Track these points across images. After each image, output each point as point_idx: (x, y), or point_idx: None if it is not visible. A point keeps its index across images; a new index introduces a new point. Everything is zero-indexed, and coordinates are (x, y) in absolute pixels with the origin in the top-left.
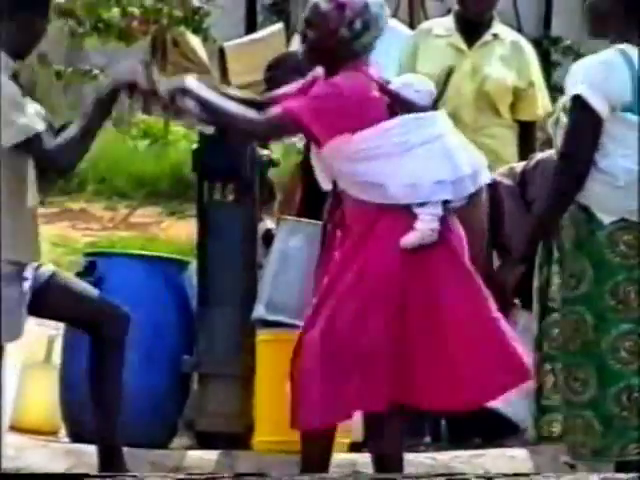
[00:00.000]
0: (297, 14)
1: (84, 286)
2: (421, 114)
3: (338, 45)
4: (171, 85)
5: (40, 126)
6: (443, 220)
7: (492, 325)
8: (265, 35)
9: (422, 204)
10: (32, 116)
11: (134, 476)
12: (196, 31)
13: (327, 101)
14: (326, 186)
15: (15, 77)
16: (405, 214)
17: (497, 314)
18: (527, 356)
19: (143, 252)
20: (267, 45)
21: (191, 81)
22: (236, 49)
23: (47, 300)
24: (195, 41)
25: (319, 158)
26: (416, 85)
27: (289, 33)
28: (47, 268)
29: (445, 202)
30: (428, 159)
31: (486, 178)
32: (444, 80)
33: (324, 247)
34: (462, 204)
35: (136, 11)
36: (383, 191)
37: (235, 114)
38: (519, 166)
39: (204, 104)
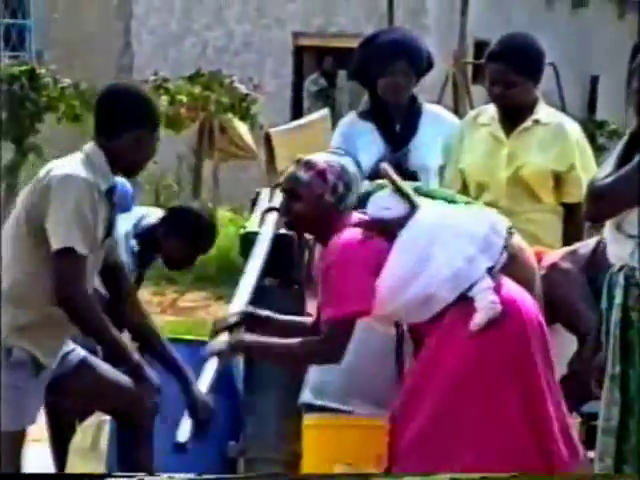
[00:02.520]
0: (342, 100)
1: (114, 372)
2: (411, 223)
3: (325, 211)
4: (217, 347)
5: (82, 249)
6: (498, 287)
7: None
8: (311, 121)
9: (471, 287)
10: (84, 238)
11: (134, 476)
12: (243, 118)
13: (345, 283)
14: (391, 332)
15: (109, 193)
16: (463, 304)
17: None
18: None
19: (190, 337)
20: (313, 130)
21: (237, 337)
22: (282, 135)
23: (75, 386)
24: (242, 127)
25: (377, 322)
26: (383, 204)
27: (334, 119)
28: (78, 352)
29: (489, 270)
30: (446, 247)
31: (505, 224)
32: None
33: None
34: (505, 261)
35: (184, 99)
36: (434, 301)
37: (297, 352)
38: (584, 247)
39: (256, 354)
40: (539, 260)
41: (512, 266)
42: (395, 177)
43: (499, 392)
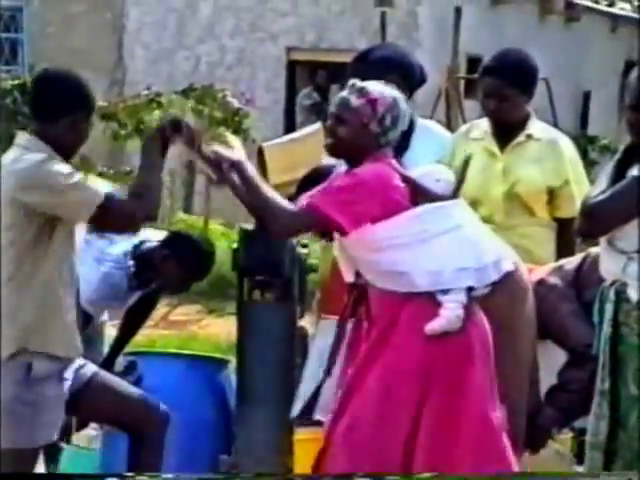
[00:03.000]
0: None
1: (125, 386)
2: (441, 203)
3: (367, 140)
4: (223, 153)
5: (106, 188)
6: (467, 308)
7: (493, 423)
8: (304, 135)
9: (446, 291)
10: (93, 183)
11: (134, 476)
12: (236, 132)
13: (350, 192)
14: (349, 278)
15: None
16: (429, 302)
17: (497, 412)
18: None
19: (182, 351)
20: (306, 145)
21: (243, 156)
22: (275, 149)
23: (87, 400)
24: (235, 142)
25: (343, 249)
26: (436, 174)
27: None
28: (89, 367)
29: (468, 289)
30: (450, 247)
31: (509, 266)
32: (462, 167)
33: (348, 339)
34: (486, 292)
35: (177, 113)
36: (407, 279)
37: (270, 201)
38: (570, 263)
39: (248, 181)
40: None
41: (506, 284)
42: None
43: (419, 398)
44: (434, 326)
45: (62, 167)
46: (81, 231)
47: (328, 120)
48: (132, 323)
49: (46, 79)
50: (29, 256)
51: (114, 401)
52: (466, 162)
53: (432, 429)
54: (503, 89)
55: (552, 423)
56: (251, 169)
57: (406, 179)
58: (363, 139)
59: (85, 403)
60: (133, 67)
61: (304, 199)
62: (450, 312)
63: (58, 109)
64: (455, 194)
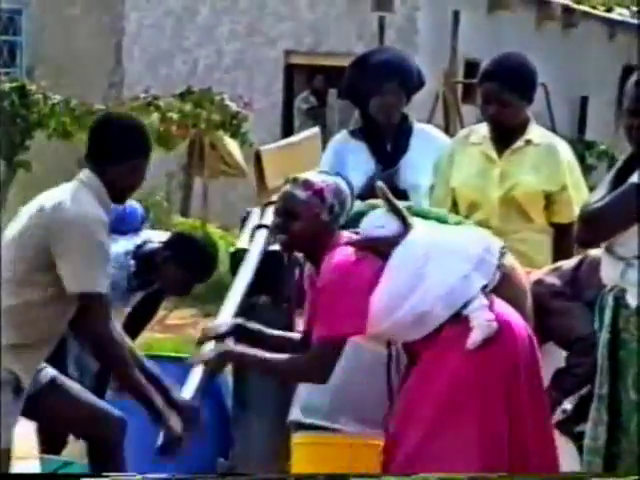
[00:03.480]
0: (333, 119)
1: (82, 391)
2: (404, 241)
3: (321, 230)
4: (204, 358)
5: (105, 290)
6: (491, 305)
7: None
8: (301, 139)
9: (465, 305)
10: (105, 278)
11: (134, 476)
12: (234, 135)
13: (336, 305)
14: (384, 351)
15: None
16: (457, 321)
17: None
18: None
19: (178, 354)
20: (303, 149)
21: (225, 347)
22: (273, 153)
23: (43, 404)
24: (232, 145)
25: (371, 342)
26: (375, 222)
27: (325, 137)
28: (48, 371)
29: (483, 288)
30: (442, 265)
31: (498, 244)
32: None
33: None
34: (499, 280)
35: (175, 116)
36: (428, 319)
37: (284, 366)
38: (568, 264)
39: (246, 364)
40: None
41: (504, 285)
42: (390, 196)
43: (491, 410)
44: (473, 339)
45: (100, 239)
46: None
47: (276, 218)
48: (135, 324)
49: (109, 123)
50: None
51: (69, 405)
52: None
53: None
54: (502, 94)
55: (555, 404)
56: (238, 350)
57: (360, 245)
58: (317, 230)
59: (41, 406)
60: (131, 70)
61: (314, 340)
62: (479, 320)
63: (120, 154)
64: (404, 221)
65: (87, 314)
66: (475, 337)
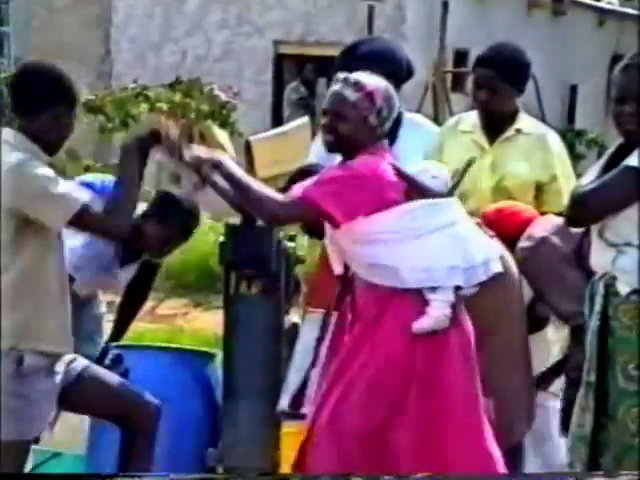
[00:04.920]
0: None
1: (116, 379)
2: (436, 200)
3: (367, 133)
4: (203, 156)
5: (84, 196)
6: (453, 307)
7: (480, 420)
8: (291, 129)
9: (434, 289)
10: (73, 189)
11: (134, 476)
12: (223, 125)
13: (344, 184)
14: (338, 270)
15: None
16: (416, 299)
17: (484, 420)
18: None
19: (169, 345)
20: (293, 138)
21: (224, 157)
22: (262, 142)
23: (79, 395)
24: (222, 135)
25: (333, 241)
26: (433, 171)
27: (315, 127)
28: (80, 362)
29: (456, 289)
30: (441, 245)
31: (497, 267)
32: (463, 170)
33: (332, 332)
34: (473, 291)
35: (164, 106)
36: (395, 275)
37: (259, 193)
38: (578, 231)
39: (232, 179)
40: (527, 222)
41: (499, 290)
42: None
43: (401, 395)
44: (422, 324)
45: (44, 171)
46: None
47: (324, 117)
48: (133, 298)
49: (26, 73)
50: (17, 255)
51: (105, 395)
52: (468, 164)
53: (415, 425)
54: (495, 81)
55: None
56: (234, 166)
57: (401, 174)
58: (363, 133)
59: (76, 397)
60: (120, 60)
61: (296, 189)
62: (438, 311)
63: (39, 104)
64: (451, 193)
65: (91, 226)
66: (425, 324)
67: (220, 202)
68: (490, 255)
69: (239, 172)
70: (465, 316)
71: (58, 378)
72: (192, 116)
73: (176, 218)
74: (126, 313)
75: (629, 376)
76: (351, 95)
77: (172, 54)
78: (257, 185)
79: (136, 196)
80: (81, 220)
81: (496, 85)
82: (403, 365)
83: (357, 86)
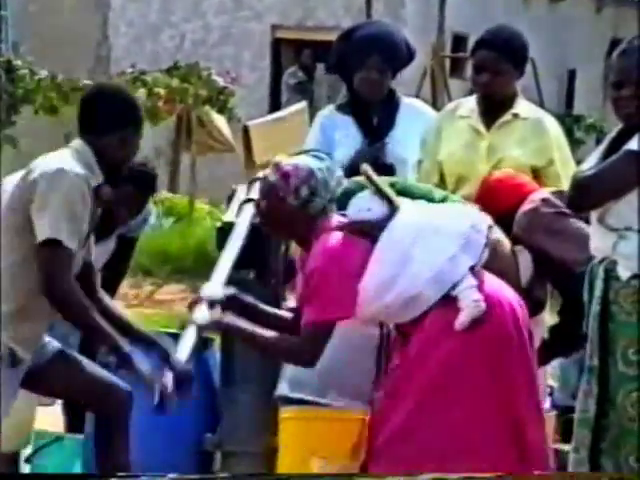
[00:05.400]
0: (320, 93)
1: (87, 364)
2: (390, 225)
3: (288, 214)
4: (205, 324)
5: (70, 243)
6: (481, 286)
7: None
8: (289, 114)
9: (454, 286)
10: (73, 232)
11: (135, 476)
12: (221, 110)
13: (324, 290)
14: (374, 331)
15: (96, 193)
16: (447, 303)
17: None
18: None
19: (167, 330)
20: (291, 123)
21: (226, 319)
22: (260, 127)
23: (49, 377)
24: (220, 120)
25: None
26: (363, 205)
27: (312, 112)
28: (53, 345)
29: (471, 268)
30: (429, 247)
31: (486, 221)
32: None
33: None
34: (487, 257)
35: (162, 91)
36: (419, 301)
37: (276, 348)
38: None
39: (243, 340)
40: (526, 196)
41: (492, 260)
42: (376, 178)
43: (480, 391)
44: (461, 320)
45: (75, 197)
46: None
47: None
48: (112, 274)
49: (99, 94)
50: (11, 249)
51: (75, 379)
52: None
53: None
54: (498, 62)
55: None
56: (233, 320)
57: (347, 228)
58: (284, 213)
59: (46, 380)
60: (118, 45)
61: (303, 324)
62: (468, 300)
63: (109, 124)
64: (392, 205)
65: (45, 264)
66: (463, 318)
67: None
68: (474, 216)
69: (242, 329)
70: (499, 284)
71: (24, 365)
72: (190, 101)
73: (125, 177)
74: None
75: (629, 361)
76: (271, 177)
77: (170, 39)
78: (267, 336)
79: (90, 328)
80: (48, 250)
81: (499, 66)
82: (467, 369)
83: (276, 167)
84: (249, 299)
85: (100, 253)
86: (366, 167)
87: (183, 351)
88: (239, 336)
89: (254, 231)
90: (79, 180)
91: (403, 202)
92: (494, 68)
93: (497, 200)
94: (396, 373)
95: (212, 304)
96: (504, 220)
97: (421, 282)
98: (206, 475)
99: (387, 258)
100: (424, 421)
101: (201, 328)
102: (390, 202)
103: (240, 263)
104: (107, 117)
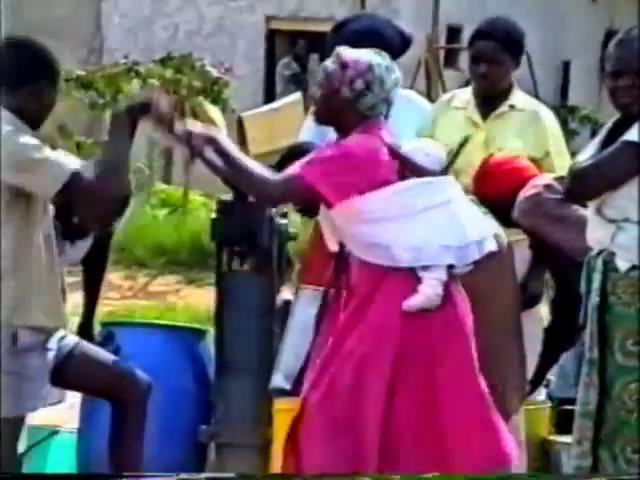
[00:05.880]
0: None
1: (107, 356)
2: (429, 179)
3: (341, 104)
4: (195, 131)
5: (74, 164)
6: (447, 285)
7: (482, 403)
8: (283, 105)
9: (426, 268)
10: (62, 158)
11: (135, 476)
12: (215, 101)
13: (336, 164)
14: (333, 248)
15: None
16: (410, 277)
17: (485, 390)
18: (510, 439)
19: (161, 321)
20: (285, 114)
21: (218, 133)
22: (254, 118)
23: (70, 371)
24: (214, 111)
25: (327, 219)
26: (426, 149)
27: (307, 103)
28: (71, 338)
29: (449, 267)
30: (435, 223)
31: (492, 246)
32: (458, 148)
33: (328, 310)
34: (467, 270)
35: (156, 82)
36: (388, 253)
37: (253, 172)
38: None
39: (225, 156)
40: (526, 181)
41: (494, 267)
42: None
43: (394, 374)
44: (412, 302)
45: (29, 140)
46: None
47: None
48: (92, 273)
49: (7, 48)
50: (4, 230)
51: (96, 371)
52: (463, 142)
53: (409, 403)
54: (497, 53)
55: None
56: (228, 142)
57: (395, 153)
58: (335, 104)
59: (68, 373)
60: (111, 36)
61: (290, 169)
62: (429, 289)
63: (18, 78)
64: (445, 171)
65: (81, 194)
66: (415, 301)
67: None
68: (484, 234)
69: (233, 149)
70: (460, 294)
71: (51, 354)
72: (184, 92)
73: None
74: (89, 289)
75: (627, 352)
76: (329, 66)
77: (164, 29)
78: (251, 164)
79: (126, 165)
80: (72, 187)
81: (498, 57)
82: (396, 342)
83: (336, 57)
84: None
85: (80, 248)
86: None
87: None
88: (223, 153)
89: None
90: (17, 130)
91: (452, 178)
92: (493, 58)
93: (496, 183)
94: (334, 332)
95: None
96: (501, 203)
97: (403, 241)
98: (214, 474)
99: (403, 198)
100: (343, 388)
101: (190, 133)
102: (449, 166)
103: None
104: (17, 70)
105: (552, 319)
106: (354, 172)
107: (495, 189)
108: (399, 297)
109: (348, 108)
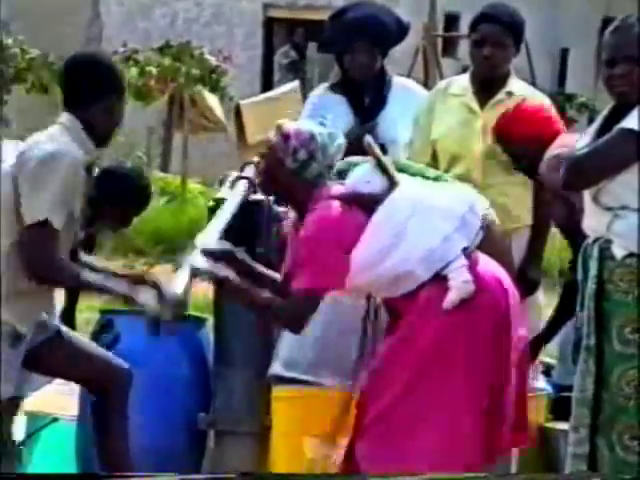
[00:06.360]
0: (313, 72)
1: (86, 343)
2: (388, 199)
3: (286, 175)
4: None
5: (57, 223)
6: (472, 267)
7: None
8: (281, 93)
9: (445, 266)
10: (61, 213)
11: (135, 476)
12: (213, 89)
13: (317, 258)
14: (362, 302)
15: (89, 169)
16: (438, 282)
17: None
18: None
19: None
20: (283, 103)
21: (226, 275)
22: (253, 107)
23: (48, 357)
24: (212, 99)
25: (350, 293)
26: (363, 178)
27: (305, 91)
28: (51, 324)
29: (464, 249)
30: (423, 226)
31: (483, 204)
32: (383, 164)
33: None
34: (481, 239)
35: (154, 70)
36: (408, 278)
37: (267, 309)
38: None
39: (235, 294)
40: (557, 132)
41: (485, 240)
42: (378, 152)
43: (465, 373)
44: (450, 299)
45: (63, 179)
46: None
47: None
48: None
49: (77, 65)
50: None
51: (74, 358)
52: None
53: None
54: (502, 36)
55: None
56: (235, 281)
57: (346, 199)
58: (281, 175)
59: (46, 359)
60: (109, 23)
61: (292, 290)
62: (457, 281)
63: (90, 94)
64: (391, 180)
65: (35, 246)
66: (451, 297)
67: None
68: (470, 198)
69: (241, 286)
70: (491, 267)
71: (24, 343)
72: (182, 80)
73: (129, 194)
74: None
75: (625, 340)
76: (273, 138)
77: (162, 17)
78: (264, 297)
79: (87, 288)
80: (39, 231)
81: (502, 39)
82: (453, 340)
83: (278, 129)
84: (244, 255)
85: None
86: (370, 139)
87: (178, 286)
88: (233, 290)
89: (247, 207)
90: (74, 164)
91: (402, 178)
92: (498, 41)
93: (529, 129)
94: (384, 351)
95: (206, 254)
96: (529, 150)
97: (413, 260)
98: (214, 474)
99: (382, 231)
100: (409, 402)
101: (195, 271)
102: (390, 177)
103: (233, 241)
104: (90, 87)
105: (553, 317)
106: (334, 250)
107: (523, 132)
108: (439, 305)
109: (293, 178)
